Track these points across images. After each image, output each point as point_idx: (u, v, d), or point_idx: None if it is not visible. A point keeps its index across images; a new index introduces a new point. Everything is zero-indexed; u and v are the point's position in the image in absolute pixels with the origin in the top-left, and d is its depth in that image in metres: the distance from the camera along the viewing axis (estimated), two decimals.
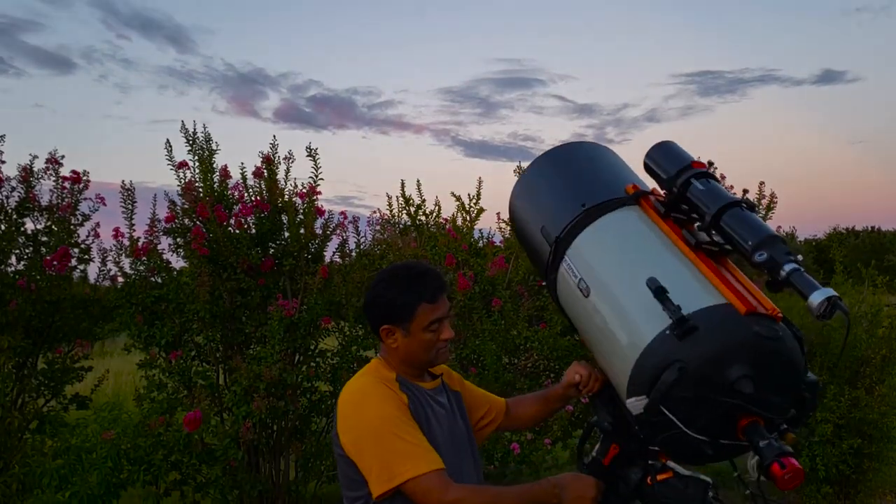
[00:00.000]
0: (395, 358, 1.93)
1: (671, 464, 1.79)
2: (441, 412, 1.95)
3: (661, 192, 1.95)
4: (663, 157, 1.91)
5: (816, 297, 1.47)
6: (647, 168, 1.95)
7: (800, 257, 1.56)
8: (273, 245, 4.61)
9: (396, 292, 1.88)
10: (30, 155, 4.61)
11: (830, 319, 1.51)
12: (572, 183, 2.08)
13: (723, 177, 6.34)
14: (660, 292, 1.55)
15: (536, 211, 2.12)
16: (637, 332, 1.64)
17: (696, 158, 1.88)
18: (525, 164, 5.57)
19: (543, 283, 2.07)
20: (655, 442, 1.64)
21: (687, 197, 1.79)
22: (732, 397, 1.52)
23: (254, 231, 4.52)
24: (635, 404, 1.55)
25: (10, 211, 4.49)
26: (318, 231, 4.61)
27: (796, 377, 1.60)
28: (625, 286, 1.76)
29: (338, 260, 4.91)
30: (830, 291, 1.47)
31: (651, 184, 2.01)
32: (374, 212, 6.75)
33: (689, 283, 1.66)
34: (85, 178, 4.70)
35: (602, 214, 1.91)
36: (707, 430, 1.55)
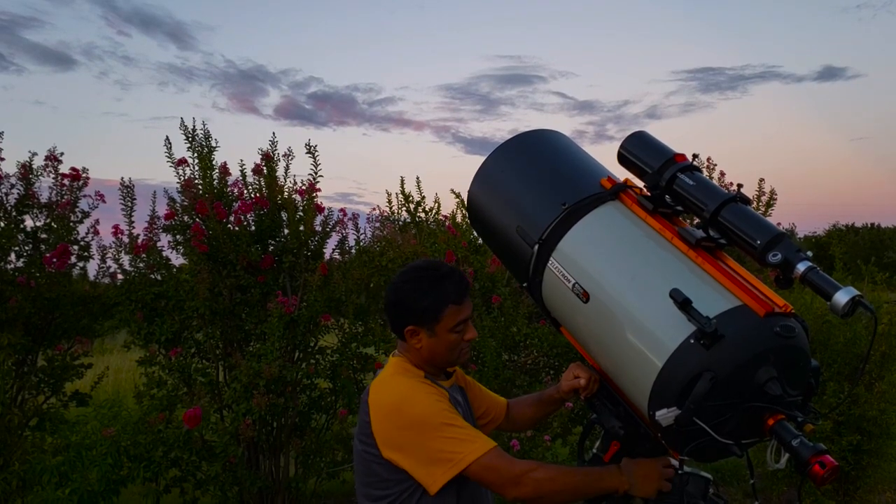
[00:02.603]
0: (418, 357, 1.92)
1: (671, 461, 1.79)
2: (460, 411, 1.95)
3: (637, 183, 1.90)
4: (643, 149, 1.86)
5: (842, 297, 1.46)
6: (625, 160, 1.90)
7: (809, 253, 1.56)
8: (272, 242, 4.61)
9: (423, 293, 1.86)
10: (29, 152, 4.61)
11: (852, 316, 1.51)
12: (545, 178, 2.01)
13: (723, 174, 6.34)
14: (686, 304, 1.52)
15: (508, 209, 2.04)
16: (656, 341, 1.60)
17: (676, 151, 1.83)
18: None
19: (524, 285, 2.01)
20: (684, 451, 1.62)
21: (675, 191, 1.76)
22: (762, 400, 1.52)
23: (253, 228, 4.52)
24: (666, 416, 1.52)
25: (9, 208, 4.48)
26: (318, 228, 4.61)
27: (807, 367, 1.61)
28: (634, 293, 1.71)
29: (337, 257, 4.91)
30: (853, 291, 1.46)
31: (615, 170, 1.96)
32: (374, 209, 6.76)
33: (701, 287, 1.63)
34: (84, 175, 4.68)
35: (584, 213, 1.86)
36: (734, 434, 1.54)
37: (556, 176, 2.01)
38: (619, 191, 1.89)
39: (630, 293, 1.72)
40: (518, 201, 2.02)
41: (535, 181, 2.02)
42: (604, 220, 1.86)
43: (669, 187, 1.76)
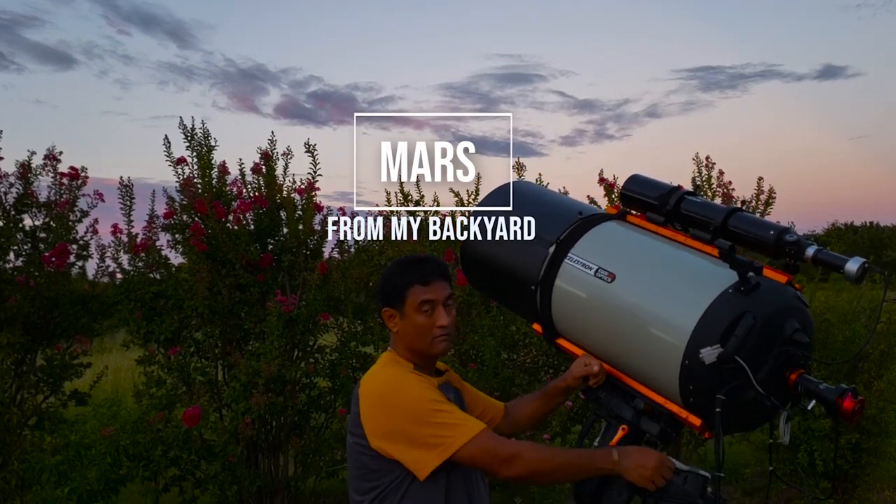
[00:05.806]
0: (401, 345, 1.97)
1: (671, 459, 1.80)
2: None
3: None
4: (645, 186, 2.06)
5: (853, 264, 1.62)
6: (628, 198, 2.08)
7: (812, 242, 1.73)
8: (271, 241, 4.61)
9: (392, 276, 1.96)
10: (28, 151, 4.60)
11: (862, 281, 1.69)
12: (551, 202, 2.21)
13: (721, 173, 6.36)
14: (731, 250, 1.68)
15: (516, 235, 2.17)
16: (693, 296, 1.72)
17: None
18: (525, 160, 5.56)
19: (532, 288, 2.08)
20: (720, 391, 1.66)
21: (682, 213, 1.92)
22: (793, 347, 1.66)
23: (252, 227, 4.51)
24: (710, 353, 1.62)
25: (8, 207, 4.48)
26: (317, 227, 4.61)
27: (812, 343, 1.76)
28: (664, 264, 1.88)
29: (336, 256, 4.91)
30: (861, 259, 1.62)
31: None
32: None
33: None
34: (83, 174, 4.68)
35: (599, 223, 2.04)
36: (764, 384, 1.64)
37: (562, 201, 2.21)
38: (627, 213, 2.10)
39: (660, 264, 1.89)
40: (528, 221, 2.15)
41: (540, 204, 2.19)
42: (619, 227, 2.05)
43: (677, 209, 1.93)
